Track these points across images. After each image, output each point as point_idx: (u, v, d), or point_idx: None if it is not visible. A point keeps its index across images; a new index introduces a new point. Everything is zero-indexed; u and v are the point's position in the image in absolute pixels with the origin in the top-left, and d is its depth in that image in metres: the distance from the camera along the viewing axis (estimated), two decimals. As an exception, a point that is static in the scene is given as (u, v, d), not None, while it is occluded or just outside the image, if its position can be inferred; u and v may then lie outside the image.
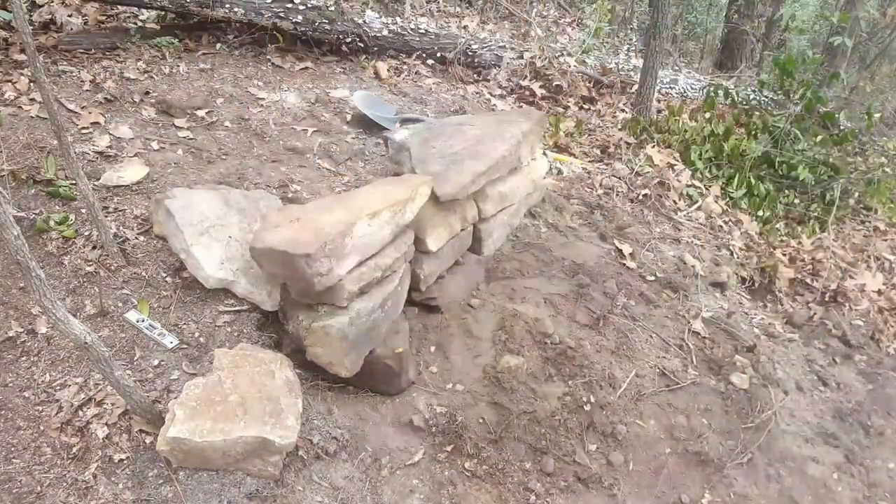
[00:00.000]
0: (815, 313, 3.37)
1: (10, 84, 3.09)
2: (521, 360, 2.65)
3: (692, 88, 5.35)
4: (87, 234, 2.50)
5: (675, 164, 4.10)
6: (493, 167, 2.77)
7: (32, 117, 2.91)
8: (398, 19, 4.71)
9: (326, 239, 2.06)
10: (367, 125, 3.69)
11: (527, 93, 4.64)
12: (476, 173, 2.67)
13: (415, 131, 2.95)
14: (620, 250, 3.27)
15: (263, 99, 3.69)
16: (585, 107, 4.79)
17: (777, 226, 3.96)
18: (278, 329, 2.42)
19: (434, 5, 5.62)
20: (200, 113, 3.38)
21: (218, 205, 2.60)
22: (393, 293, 2.40)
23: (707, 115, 4.64)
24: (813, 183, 4.17)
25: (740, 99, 4.97)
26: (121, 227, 2.58)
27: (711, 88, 4.81)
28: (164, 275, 2.49)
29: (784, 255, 3.64)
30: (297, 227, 2.17)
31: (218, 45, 4.04)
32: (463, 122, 3.13)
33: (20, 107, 2.97)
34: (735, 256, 3.57)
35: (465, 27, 5.33)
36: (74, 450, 1.91)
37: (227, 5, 3.90)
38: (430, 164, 2.70)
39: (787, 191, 4.24)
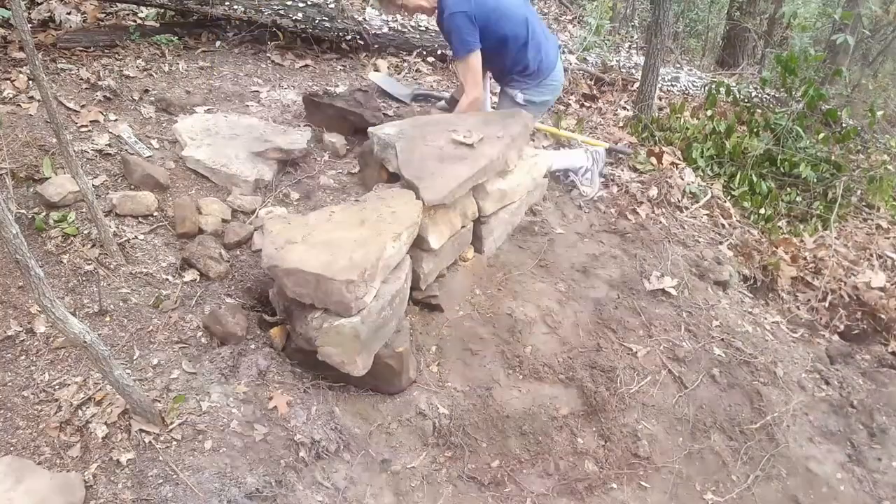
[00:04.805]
0: (817, 311, 3.36)
1: (8, 82, 3.08)
2: (522, 359, 2.64)
3: (694, 86, 5.34)
4: (86, 232, 2.49)
5: (678, 163, 4.08)
6: (480, 171, 2.74)
7: (31, 115, 2.90)
8: (398, 17, 4.69)
9: (366, 265, 2.12)
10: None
11: (528, 90, 4.62)
12: (461, 179, 2.64)
13: (401, 128, 2.93)
14: (623, 248, 3.26)
15: (263, 97, 3.68)
16: (587, 104, 4.78)
17: (779, 224, 3.94)
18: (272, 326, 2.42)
19: (434, 3, 5.59)
20: (200, 110, 3.37)
21: (228, 131, 3.17)
22: (400, 290, 2.40)
23: (709, 112, 4.63)
24: (815, 181, 4.16)
25: (742, 96, 4.95)
26: (120, 226, 2.58)
27: (713, 86, 4.79)
28: (164, 275, 2.48)
29: (786, 253, 3.63)
30: (320, 247, 2.21)
31: (217, 43, 4.02)
32: (451, 120, 3.11)
33: (19, 105, 2.96)
34: (737, 255, 3.56)
35: (465, 25, 5.30)
36: (74, 449, 1.91)
37: (227, 3, 3.89)
38: (416, 166, 2.68)
39: (789, 188, 4.22)
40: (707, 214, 3.81)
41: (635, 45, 6.38)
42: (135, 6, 4.06)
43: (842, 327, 3.32)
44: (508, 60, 3.12)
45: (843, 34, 5.08)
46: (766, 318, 3.20)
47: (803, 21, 5.64)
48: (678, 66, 5.99)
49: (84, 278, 2.36)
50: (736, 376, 2.78)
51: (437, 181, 2.60)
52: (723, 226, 3.77)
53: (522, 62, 3.12)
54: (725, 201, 3.96)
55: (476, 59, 2.95)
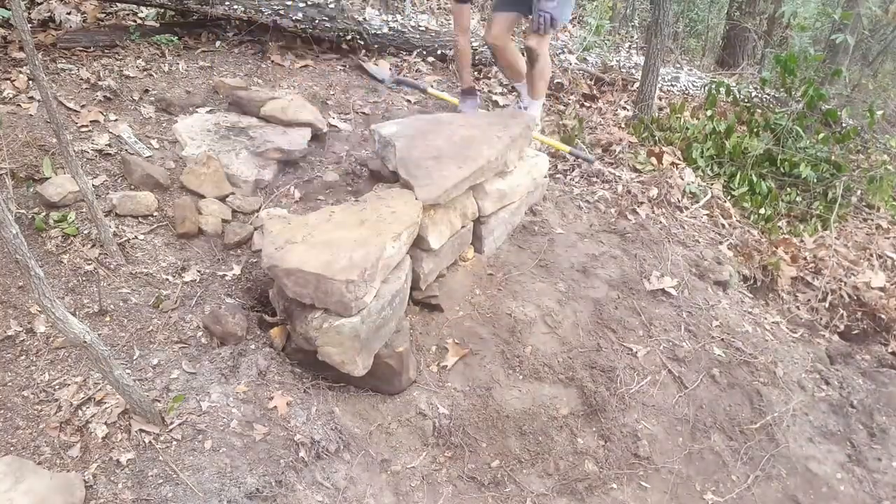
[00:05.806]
0: (817, 311, 3.36)
1: (8, 82, 3.08)
2: (522, 359, 2.64)
3: (694, 86, 5.34)
4: (86, 232, 2.49)
5: (678, 162, 4.08)
6: (478, 171, 2.75)
7: (31, 115, 2.90)
8: (398, 17, 4.69)
9: (366, 265, 2.13)
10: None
11: (528, 90, 4.62)
12: (459, 178, 2.65)
13: (402, 126, 2.93)
14: (623, 248, 3.25)
15: (263, 97, 3.67)
16: (586, 104, 4.77)
17: (779, 224, 3.94)
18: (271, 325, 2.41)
19: (434, 2, 5.59)
20: (200, 111, 3.37)
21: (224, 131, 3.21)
22: (400, 290, 2.40)
23: (709, 112, 4.62)
24: (815, 181, 4.15)
25: (742, 96, 4.94)
26: (120, 226, 2.57)
27: (713, 86, 4.79)
28: (165, 275, 2.48)
29: (786, 253, 3.63)
30: (320, 247, 2.21)
31: (217, 43, 4.02)
32: (452, 120, 3.11)
33: (19, 105, 2.96)
34: (737, 255, 3.56)
35: (465, 25, 5.30)
36: (74, 449, 1.91)
37: (227, 3, 3.89)
38: (414, 165, 2.68)
39: (788, 189, 4.22)
40: (707, 214, 3.80)
41: (635, 45, 6.38)
42: (135, 6, 4.05)
43: (842, 327, 3.32)
44: None
45: (842, 34, 5.07)
46: (766, 318, 3.20)
47: (803, 21, 5.63)
48: (678, 66, 5.99)
49: (84, 278, 2.36)
50: (736, 376, 2.78)
51: (433, 180, 2.60)
52: (723, 226, 3.77)
53: None
54: (725, 201, 3.96)
55: None
